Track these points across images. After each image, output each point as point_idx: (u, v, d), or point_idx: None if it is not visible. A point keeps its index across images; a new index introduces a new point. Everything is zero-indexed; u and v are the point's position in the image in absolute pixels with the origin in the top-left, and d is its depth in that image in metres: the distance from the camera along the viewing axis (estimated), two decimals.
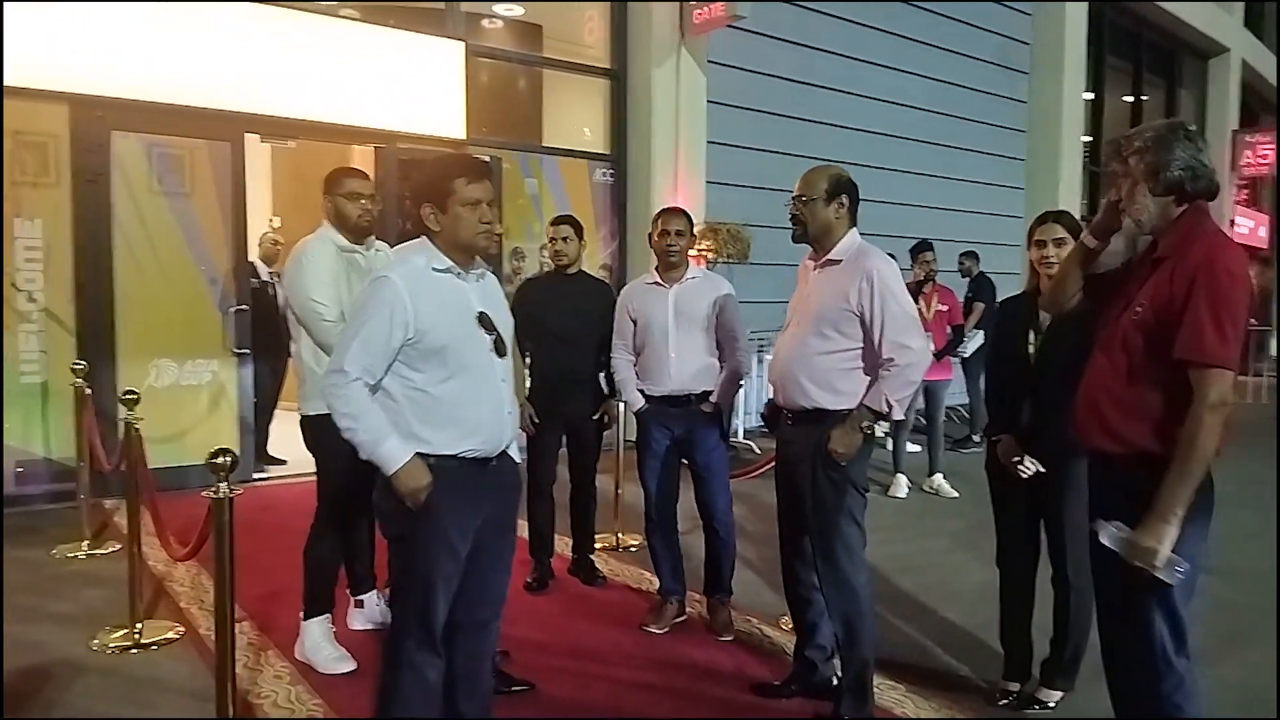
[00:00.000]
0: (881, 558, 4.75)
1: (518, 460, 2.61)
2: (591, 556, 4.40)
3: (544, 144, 7.93)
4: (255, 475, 6.22)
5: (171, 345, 5.91)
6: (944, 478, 6.29)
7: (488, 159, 6.92)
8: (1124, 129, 2.55)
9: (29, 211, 5.41)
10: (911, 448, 6.70)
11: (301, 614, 3.35)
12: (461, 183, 2.33)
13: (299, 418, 3.26)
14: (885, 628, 3.82)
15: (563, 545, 4.47)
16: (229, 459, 2.42)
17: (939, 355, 6.23)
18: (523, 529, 4.30)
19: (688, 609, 3.83)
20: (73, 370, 4.75)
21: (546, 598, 4.12)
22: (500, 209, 6.94)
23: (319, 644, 3.30)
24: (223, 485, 2.41)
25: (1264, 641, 3.69)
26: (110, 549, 4.56)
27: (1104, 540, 2.15)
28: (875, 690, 3.13)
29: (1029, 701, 3.12)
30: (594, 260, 7.71)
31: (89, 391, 4.61)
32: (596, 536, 4.74)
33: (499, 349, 2.42)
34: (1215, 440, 2.06)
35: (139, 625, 3.52)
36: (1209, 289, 2.05)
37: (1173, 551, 2.08)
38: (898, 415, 2.84)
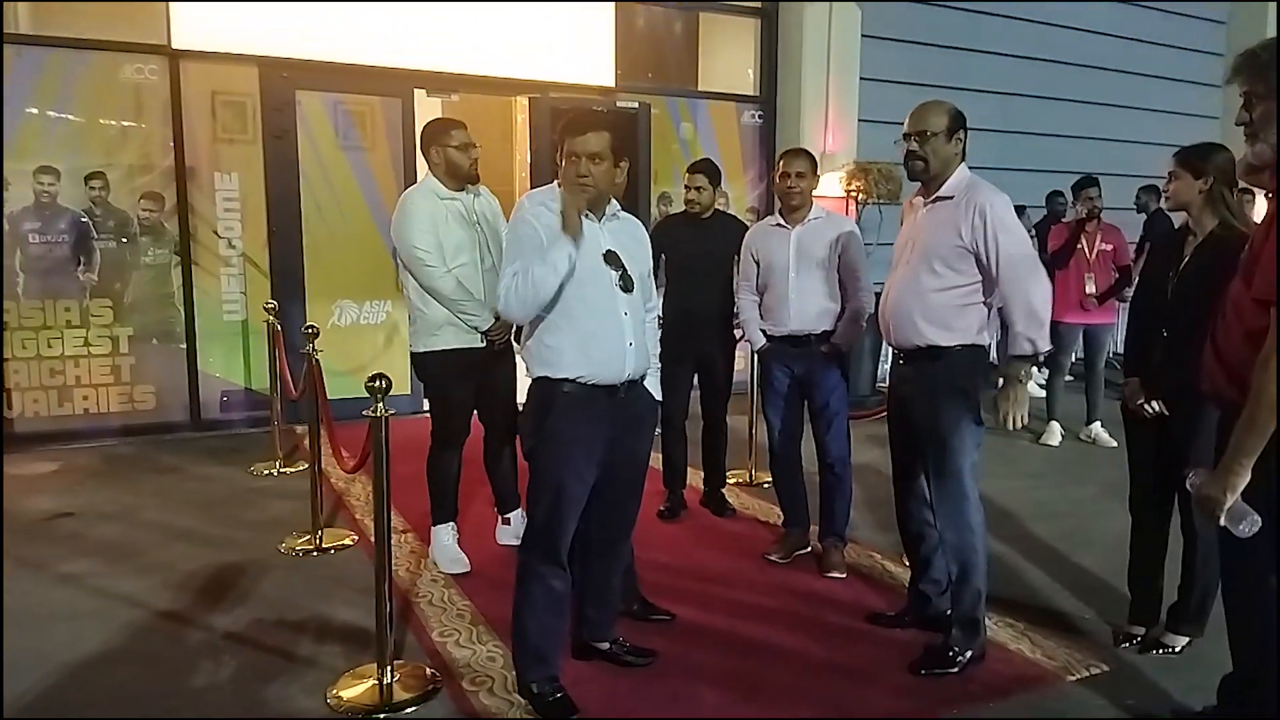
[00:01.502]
0: (1022, 503, 4.72)
1: (656, 396, 2.81)
2: (723, 490, 4.58)
3: (700, 88, 8.00)
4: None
5: (352, 287, 6.48)
6: (1102, 426, 6.03)
7: (635, 105, 7.08)
8: None
9: (226, 166, 6.05)
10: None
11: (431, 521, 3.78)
12: (568, 136, 2.54)
13: (410, 354, 3.60)
14: (1014, 570, 3.83)
15: (697, 478, 4.67)
16: (384, 382, 2.74)
17: (1101, 299, 5.93)
18: (659, 460, 4.57)
19: (811, 542, 3.96)
20: (265, 309, 5.33)
21: (678, 526, 4.35)
22: (648, 155, 7.17)
23: (443, 546, 3.74)
24: (379, 405, 2.73)
25: None
26: (299, 467, 5.14)
27: (1188, 486, 2.10)
28: (992, 627, 3.19)
29: (1154, 645, 3.07)
30: (741, 204, 7.76)
31: (279, 328, 5.16)
32: (730, 471, 4.93)
33: (625, 284, 2.61)
34: None
35: (320, 532, 4.01)
36: None
37: (1260, 504, 1.98)
38: (1044, 347, 2.79)
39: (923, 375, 2.89)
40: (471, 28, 6.61)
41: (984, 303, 2.84)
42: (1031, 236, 7.52)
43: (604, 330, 2.57)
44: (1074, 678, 2.92)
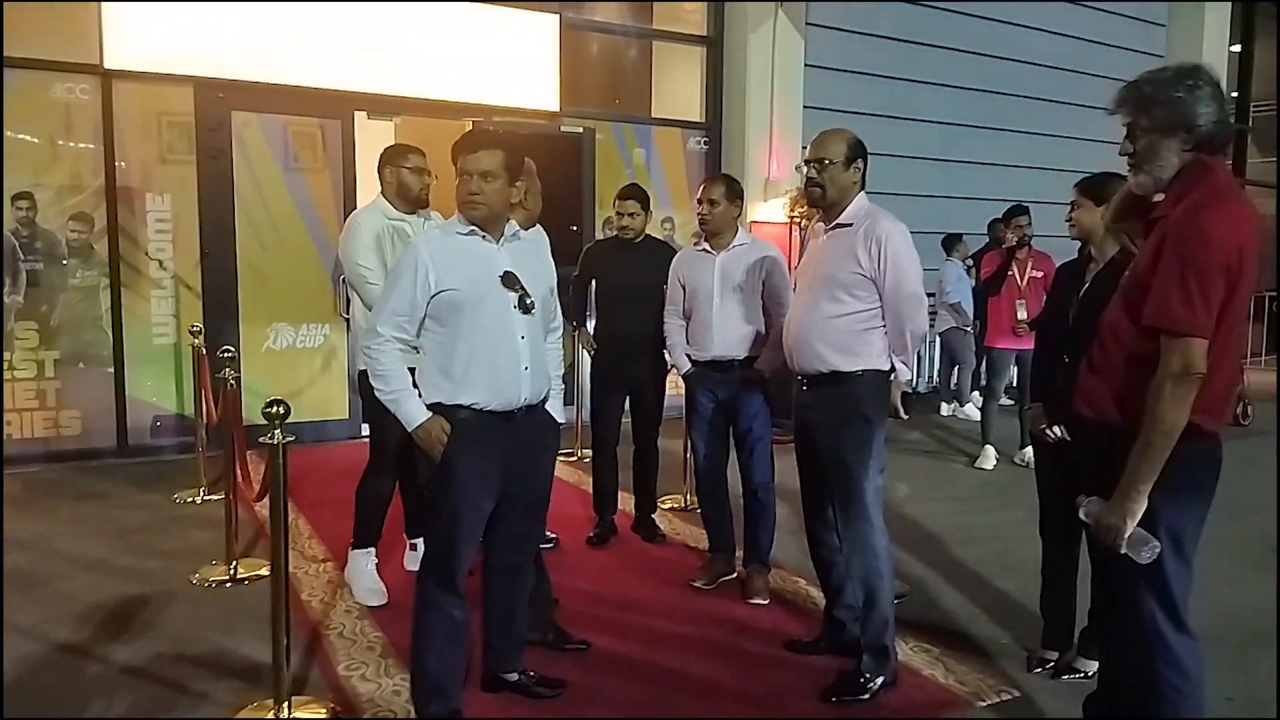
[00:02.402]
0: (950, 527, 4.74)
1: (558, 418, 2.78)
2: (653, 515, 4.56)
3: (654, 114, 8.05)
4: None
5: (288, 310, 6.39)
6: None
7: (580, 130, 7.10)
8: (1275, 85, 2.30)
9: (159, 186, 5.96)
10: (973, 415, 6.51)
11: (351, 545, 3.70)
12: (459, 154, 2.53)
13: (356, 373, 3.55)
14: (935, 595, 3.84)
15: (631, 503, 4.63)
16: (281, 409, 2.68)
17: (1033, 325, 6.01)
18: (590, 485, 4.54)
19: (737, 568, 3.93)
20: (191, 332, 5.23)
21: (606, 552, 4.31)
22: (592, 180, 7.18)
23: (360, 574, 3.66)
24: (276, 433, 2.67)
25: None
26: (222, 495, 5.01)
27: (1081, 515, 2.11)
28: (907, 652, 3.20)
29: (1065, 670, 3.08)
30: (686, 229, 7.79)
31: (204, 352, 5.06)
32: (665, 497, 4.91)
33: (524, 306, 2.58)
34: (1180, 412, 1.96)
35: (235, 563, 3.91)
36: (1178, 249, 1.95)
37: (1156, 528, 2.01)
38: (904, 376, 2.86)
39: (825, 401, 2.91)
40: (415, 51, 6.59)
41: (883, 327, 2.86)
42: (970, 266, 7.64)
43: (499, 354, 2.54)
44: (985, 703, 2.92)
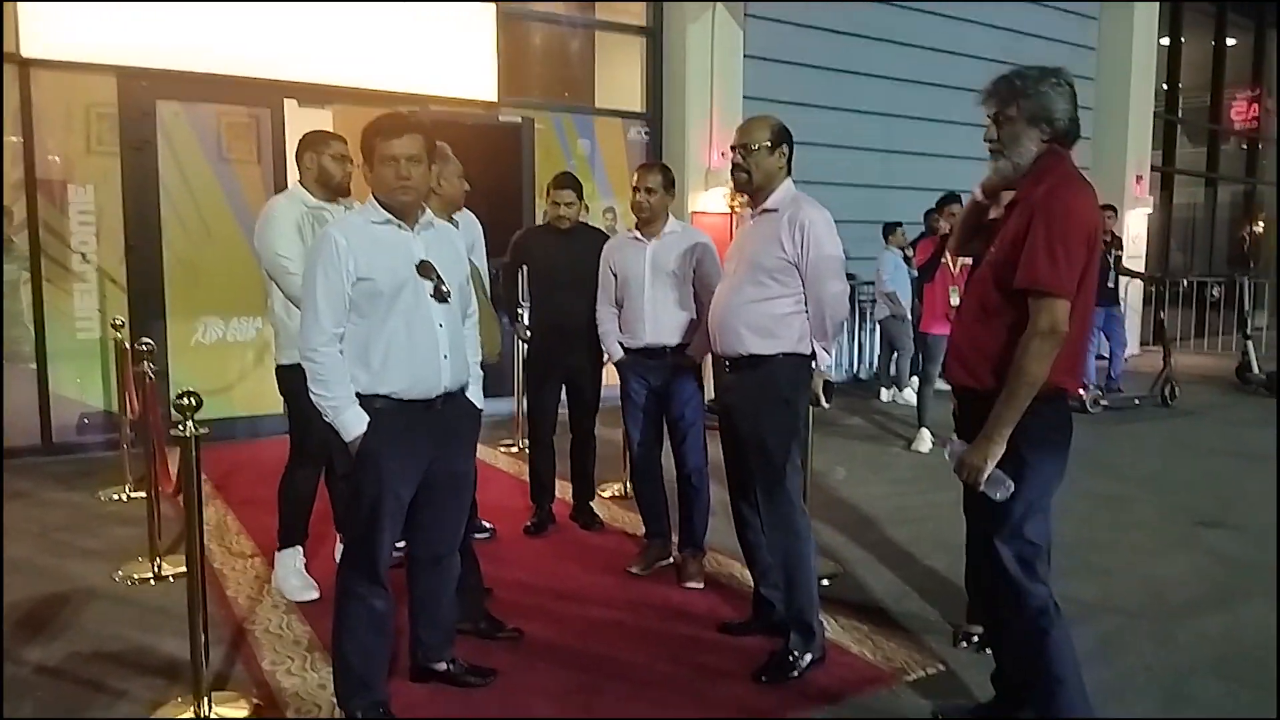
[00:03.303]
0: (884, 509, 4.81)
1: (478, 405, 2.75)
2: (591, 503, 4.54)
3: (597, 105, 8.01)
4: None
5: (217, 303, 6.24)
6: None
7: (519, 120, 7.05)
8: (1204, 77, 2.58)
9: (82, 178, 5.78)
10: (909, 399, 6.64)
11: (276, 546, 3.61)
12: (379, 140, 2.46)
13: (274, 367, 3.47)
14: (866, 574, 3.89)
15: (569, 491, 4.61)
16: (193, 400, 2.61)
17: None
18: (527, 474, 4.51)
19: (673, 553, 3.94)
20: (113, 327, 5.08)
21: (543, 541, 4.29)
22: (531, 170, 7.12)
23: (288, 574, 3.57)
24: (189, 425, 2.60)
25: (1258, 597, 3.63)
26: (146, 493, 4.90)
27: (946, 456, 2.32)
28: (838, 630, 3.24)
29: (989, 643, 3.13)
30: (629, 219, 7.76)
31: (127, 346, 4.92)
32: (604, 484, 4.90)
33: (439, 295, 2.54)
34: (1044, 366, 2.17)
35: (158, 560, 3.81)
36: (1045, 220, 2.16)
37: (1017, 477, 2.22)
38: (825, 361, 2.90)
39: (745, 383, 2.93)
40: (348, 38, 6.48)
41: (805, 313, 2.88)
42: (908, 256, 7.75)
43: (417, 343, 2.49)
44: (911, 677, 2.96)
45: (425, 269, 2.52)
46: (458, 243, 2.75)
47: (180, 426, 2.59)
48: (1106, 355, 8.50)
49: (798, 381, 2.92)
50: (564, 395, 4.42)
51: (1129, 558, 4.12)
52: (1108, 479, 5.38)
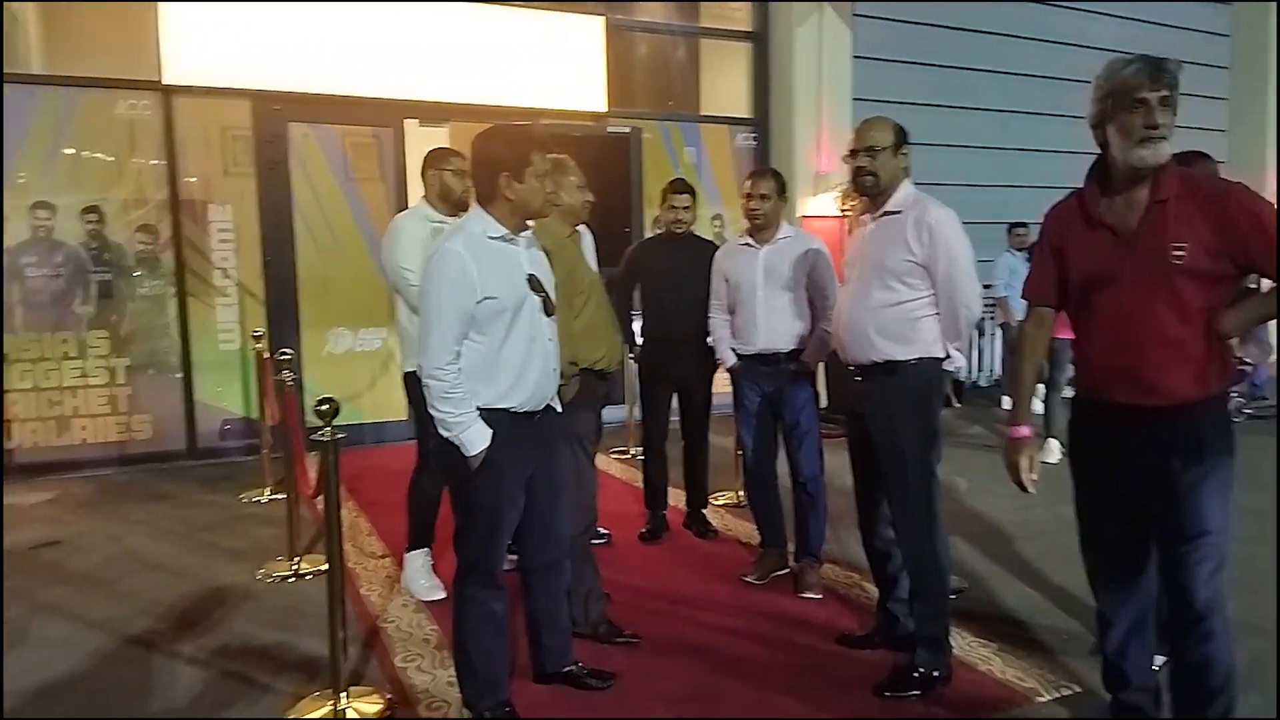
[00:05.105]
0: (1010, 522, 4.64)
1: (558, 409, 2.78)
2: (704, 511, 4.55)
3: (703, 112, 8.04)
4: None
5: (346, 315, 6.54)
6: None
7: (627, 130, 7.13)
8: None
9: (221, 197, 6.14)
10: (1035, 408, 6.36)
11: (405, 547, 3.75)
12: (538, 155, 2.53)
13: (401, 374, 3.61)
14: (994, 590, 3.77)
15: (682, 500, 4.62)
16: (331, 406, 2.74)
17: None
18: (640, 481, 4.55)
19: (789, 563, 3.90)
20: (253, 338, 5.38)
21: (658, 548, 4.32)
22: (639, 179, 7.20)
23: (417, 574, 3.71)
24: (327, 430, 2.73)
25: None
26: (286, 495, 5.16)
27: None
28: (965, 647, 3.14)
29: None
30: (737, 226, 7.76)
31: (268, 356, 5.20)
32: (717, 493, 4.90)
33: (547, 308, 2.60)
34: None
35: (298, 559, 4.02)
36: (1261, 207, 2.11)
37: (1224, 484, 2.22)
38: (958, 363, 2.82)
39: (881, 391, 2.86)
40: (463, 57, 6.69)
41: (937, 314, 2.82)
42: (1028, 258, 7.45)
43: (535, 358, 2.56)
44: (1043, 699, 2.85)
45: (535, 284, 2.58)
46: (545, 257, 2.77)
47: (320, 432, 2.72)
48: (1250, 361, 7.98)
49: (934, 386, 2.85)
50: (675, 403, 4.45)
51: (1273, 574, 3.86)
52: (1252, 490, 5.05)
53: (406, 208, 6.56)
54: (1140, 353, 2.18)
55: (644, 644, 3.23)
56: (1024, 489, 2.43)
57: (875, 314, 2.83)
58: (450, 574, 3.69)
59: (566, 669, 2.92)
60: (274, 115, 6.20)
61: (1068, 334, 6.03)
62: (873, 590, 3.62)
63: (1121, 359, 2.21)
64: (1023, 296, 2.44)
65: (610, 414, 5.52)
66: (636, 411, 5.52)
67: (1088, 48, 9.05)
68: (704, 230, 7.06)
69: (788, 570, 3.87)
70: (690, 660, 3.12)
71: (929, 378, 2.85)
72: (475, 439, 2.46)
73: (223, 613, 3.57)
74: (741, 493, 5.01)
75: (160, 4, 5.78)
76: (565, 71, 7.10)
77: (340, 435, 2.76)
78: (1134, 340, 2.18)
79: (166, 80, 5.88)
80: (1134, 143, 2.13)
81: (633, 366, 4.83)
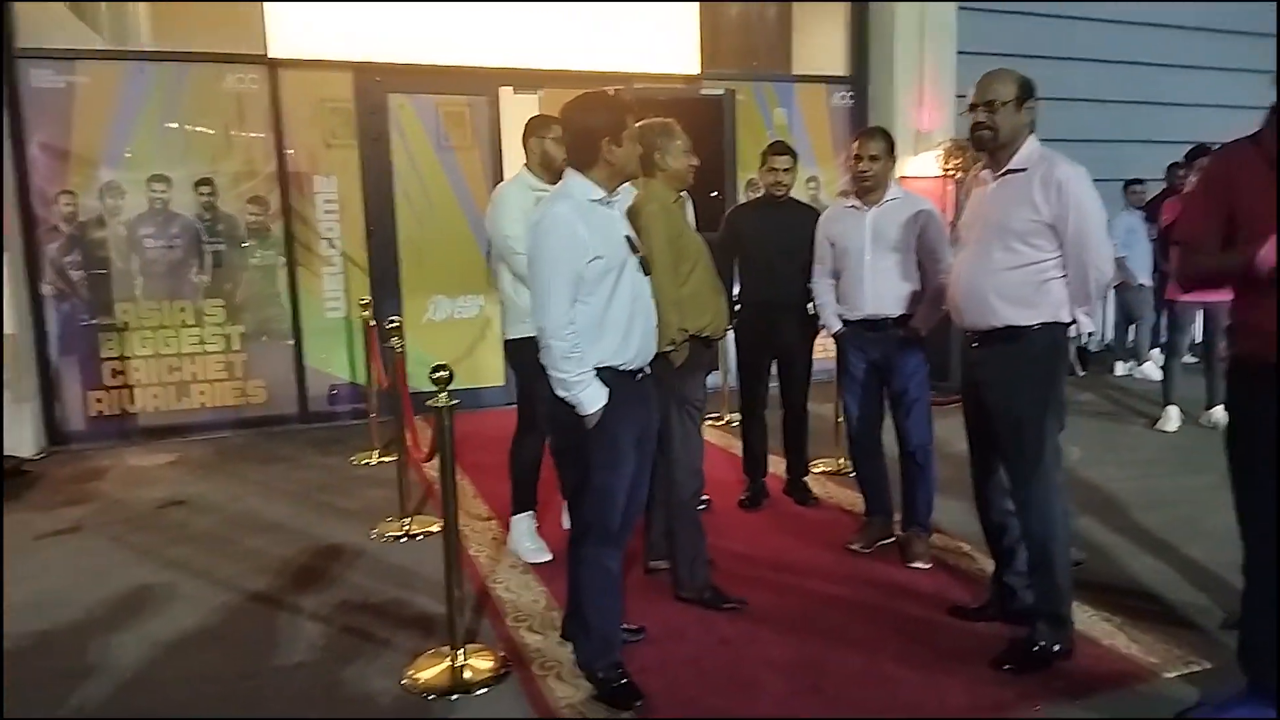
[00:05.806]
0: (1132, 492, 4.48)
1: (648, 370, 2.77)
2: (805, 479, 4.49)
3: (794, 71, 7.86)
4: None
5: (445, 283, 6.65)
6: (1224, 410, 5.62)
7: (720, 92, 7.01)
8: None
9: (325, 169, 6.29)
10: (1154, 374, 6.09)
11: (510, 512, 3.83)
12: (631, 119, 2.56)
13: (503, 341, 3.66)
14: (1118, 562, 3.64)
15: (782, 467, 4.58)
16: (446, 373, 2.80)
17: None
18: (738, 449, 4.53)
19: (895, 532, 3.83)
20: (361, 306, 5.53)
21: (758, 514, 4.29)
22: (733, 141, 7.08)
23: (522, 536, 3.79)
24: (442, 395, 2.79)
25: None
26: (394, 457, 5.30)
27: None
28: (1086, 621, 3.04)
29: None
30: (831, 188, 7.59)
31: (373, 324, 5.35)
32: (818, 460, 4.84)
33: (645, 267, 2.62)
34: None
35: (409, 520, 4.14)
36: None
37: None
38: (1087, 328, 2.69)
39: (1000, 357, 2.76)
40: (555, 23, 6.67)
41: (1064, 278, 2.68)
42: (1146, 217, 7.09)
43: (639, 315, 2.58)
44: (1170, 675, 2.74)
45: (632, 244, 2.60)
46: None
47: (435, 398, 2.77)
48: None
49: (1058, 353, 2.74)
50: (774, 369, 4.40)
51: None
52: None
53: (501, 175, 6.67)
54: None
55: (750, 609, 3.22)
56: None
57: (996, 277, 2.71)
58: (552, 537, 3.79)
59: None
60: (375, 87, 6.30)
61: (1191, 296, 5.73)
62: (983, 561, 3.55)
63: None
64: (1174, 241, 2.31)
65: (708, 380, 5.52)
66: (732, 379, 5.49)
67: None
68: (799, 192, 6.91)
69: (893, 539, 3.80)
70: (797, 627, 3.11)
71: (1053, 344, 2.73)
72: (593, 397, 2.48)
73: (339, 570, 3.70)
74: (843, 460, 4.95)
75: None
76: (657, 34, 7.01)
77: (455, 401, 2.81)
78: None
79: (272, 54, 6.03)
80: None
81: (729, 334, 4.80)
